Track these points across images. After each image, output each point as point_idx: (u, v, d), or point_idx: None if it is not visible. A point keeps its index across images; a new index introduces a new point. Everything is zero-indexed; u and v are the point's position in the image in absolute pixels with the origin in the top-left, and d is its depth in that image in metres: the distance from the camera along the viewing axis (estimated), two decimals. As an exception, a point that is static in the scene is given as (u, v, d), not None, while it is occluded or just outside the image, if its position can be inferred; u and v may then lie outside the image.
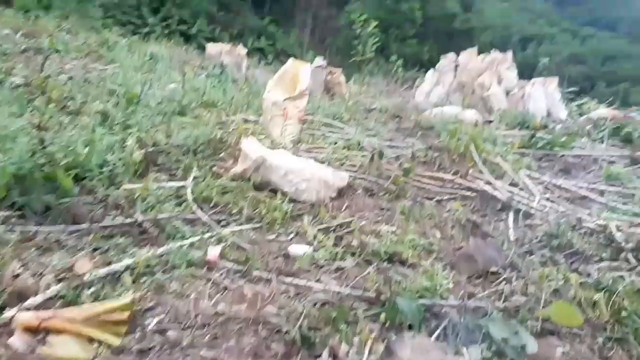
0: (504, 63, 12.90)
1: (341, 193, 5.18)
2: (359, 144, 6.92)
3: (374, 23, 18.79)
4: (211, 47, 14.92)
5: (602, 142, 7.99)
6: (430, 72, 13.85)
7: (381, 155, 5.69)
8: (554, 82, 12.64)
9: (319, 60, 12.49)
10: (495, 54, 13.17)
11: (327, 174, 5.06)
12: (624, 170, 6.63)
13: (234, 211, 4.40)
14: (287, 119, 6.59)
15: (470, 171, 5.84)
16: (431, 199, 5.34)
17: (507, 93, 12.44)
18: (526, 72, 20.81)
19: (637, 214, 5.26)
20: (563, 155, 7.11)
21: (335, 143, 6.86)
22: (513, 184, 5.74)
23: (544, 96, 12.24)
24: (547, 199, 5.39)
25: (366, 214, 4.81)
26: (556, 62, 20.97)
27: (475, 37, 29.46)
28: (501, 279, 3.80)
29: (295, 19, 31.48)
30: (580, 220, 4.74)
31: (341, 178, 5.17)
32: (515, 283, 3.73)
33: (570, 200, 5.54)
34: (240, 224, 4.27)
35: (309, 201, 4.86)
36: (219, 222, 4.28)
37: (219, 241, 3.93)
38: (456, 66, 13.52)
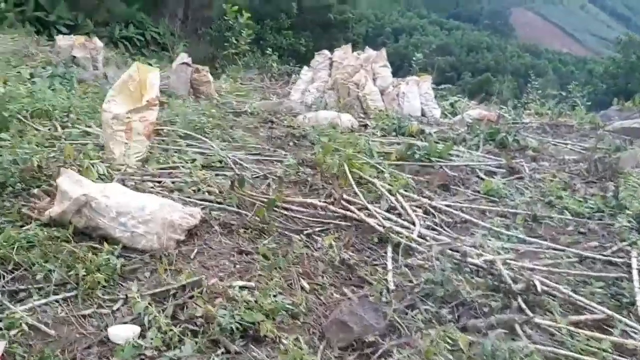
0: (378, 61, 12.45)
1: (192, 233, 4.24)
2: (222, 162, 5.98)
3: (247, 14, 17.87)
4: (61, 40, 13.09)
5: (478, 148, 7.68)
6: (305, 69, 13.11)
7: (242, 183, 4.80)
8: (427, 80, 12.39)
9: (184, 57, 11.29)
10: (369, 52, 12.69)
11: (173, 211, 4.09)
12: (503, 183, 6.26)
13: (39, 276, 3.32)
14: (130, 135, 5.50)
15: (345, 195, 5.12)
16: (301, 232, 4.55)
17: (383, 92, 12.01)
18: (399, 63, 20.82)
19: (521, 239, 4.81)
20: (441, 167, 6.64)
21: (194, 161, 5.87)
22: (392, 208, 5.10)
23: (418, 95, 11.94)
24: (428, 227, 4.80)
25: (221, 262, 3.91)
26: (426, 53, 21.06)
27: (349, 29, 29.18)
28: (380, 351, 3.08)
29: (167, 7, 29.48)
30: (465, 254, 4.17)
31: (192, 215, 4.22)
32: (398, 357, 3.02)
33: (452, 225, 5.00)
34: (46, 295, 3.20)
35: (148, 249, 3.88)
36: (15, 294, 3.19)
37: (9, 327, 2.87)
38: (331, 63, 12.89)
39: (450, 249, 4.31)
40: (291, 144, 7.33)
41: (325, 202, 5.10)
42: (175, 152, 6.12)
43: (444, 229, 4.85)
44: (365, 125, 9.01)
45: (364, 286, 3.85)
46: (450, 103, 12.75)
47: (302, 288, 3.71)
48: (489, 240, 4.68)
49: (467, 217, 5.09)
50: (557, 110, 12.64)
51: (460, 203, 5.55)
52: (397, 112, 11.41)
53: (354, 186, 5.12)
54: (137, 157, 5.56)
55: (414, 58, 16.38)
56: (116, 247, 3.78)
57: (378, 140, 7.86)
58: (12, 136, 5.48)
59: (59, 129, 6.36)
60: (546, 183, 6.41)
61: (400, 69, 17.71)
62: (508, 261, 4.25)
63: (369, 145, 7.09)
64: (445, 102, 13.07)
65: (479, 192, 6.03)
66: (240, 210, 4.73)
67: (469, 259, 4.16)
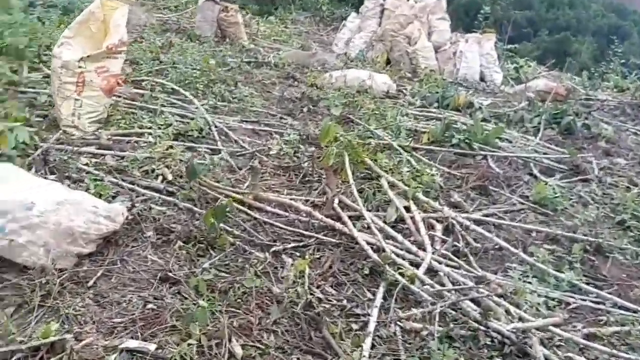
0: (436, 11, 10.68)
1: (111, 241, 3.04)
2: (201, 130, 4.72)
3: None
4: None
5: (537, 134, 6.08)
6: (353, 15, 11.48)
7: (193, 173, 3.52)
8: (491, 38, 10.57)
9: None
10: (427, 0, 10.91)
11: (77, 213, 2.89)
12: (561, 187, 4.73)
13: None
14: (81, 89, 4.28)
15: (342, 197, 3.78)
16: (267, 248, 3.28)
17: (438, 49, 10.32)
18: (462, 17, 18.56)
19: (574, 286, 3.38)
20: (484, 158, 5.14)
21: (168, 127, 4.63)
22: (401, 220, 3.73)
23: (478, 56, 10.19)
24: (445, 256, 3.42)
25: (127, 296, 2.71)
26: (502, 5, 18.84)
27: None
28: None
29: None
30: (486, 313, 2.81)
31: (110, 217, 3.01)
32: None
33: (480, 253, 3.59)
34: None
35: (31, 266, 2.71)
36: None
37: None
38: (382, 10, 11.20)
39: (471, 299, 2.96)
40: (305, 110, 5.95)
41: (312, 204, 3.79)
42: (148, 113, 4.88)
43: (468, 260, 3.46)
44: (402, 92, 7.47)
45: (327, 358, 2.57)
46: (515, 67, 10.89)
47: (231, 356, 2.46)
48: (528, 283, 3.27)
49: (503, 242, 3.65)
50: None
51: (499, 217, 4.11)
52: (451, 74, 9.82)
53: (353, 187, 3.74)
54: (90, 117, 4.36)
55: (481, 11, 14.31)
56: (-17, 260, 2.65)
57: (414, 113, 6.37)
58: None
59: (25, 71, 5.23)
60: (620, 192, 4.83)
61: (463, 23, 15.57)
62: (551, 329, 2.85)
63: (397, 121, 5.64)
64: (511, 66, 11.22)
65: (527, 198, 4.53)
66: (194, 208, 3.49)
67: (492, 323, 2.80)
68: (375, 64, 9.46)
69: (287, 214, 3.63)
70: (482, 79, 10.18)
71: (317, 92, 6.47)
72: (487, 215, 4.07)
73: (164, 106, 5.06)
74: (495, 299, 3.01)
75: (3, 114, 3.93)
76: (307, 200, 3.86)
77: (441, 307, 2.85)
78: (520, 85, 9.01)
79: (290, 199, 3.82)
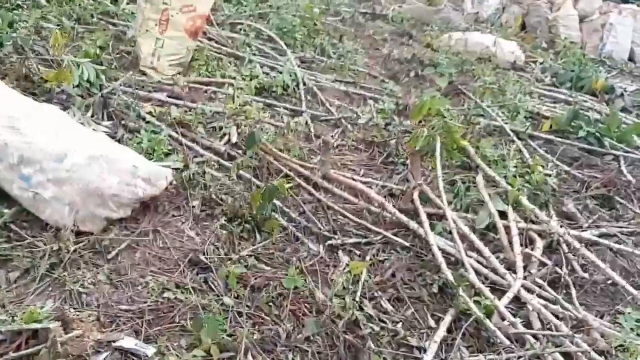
0: (589, -25, 9.23)
1: (149, 206, 2.68)
2: (286, 87, 4.22)
3: None
4: None
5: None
6: (491, -29, 10.26)
7: (252, 140, 3.04)
8: (651, 12, 9.00)
9: None
10: (581, -40, 9.44)
11: (111, 171, 2.53)
12: None
13: None
14: (165, 28, 3.92)
15: (425, 188, 3.15)
16: (322, 238, 2.78)
17: (583, 18, 8.94)
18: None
19: None
20: (615, 159, 4.20)
21: (251, 79, 4.19)
22: (492, 227, 3.04)
23: (631, 31, 8.71)
24: (539, 285, 2.71)
25: (146, 279, 2.33)
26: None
27: None
28: None
29: None
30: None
31: (149, 181, 2.63)
32: None
33: (586, 286, 2.84)
34: None
35: (53, 225, 2.41)
36: None
37: None
38: (526, -31, 9.89)
39: (562, 353, 2.29)
40: (412, 74, 5.25)
41: (389, 192, 3.20)
42: (236, 61, 4.45)
43: (569, 293, 2.73)
44: (535, 63, 6.46)
45: (359, 397, 2.06)
46: (676, 48, 9.22)
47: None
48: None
49: (618, 278, 2.84)
50: None
51: (620, 239, 3.26)
52: (595, 50, 8.49)
53: (440, 178, 3.08)
54: (171, 60, 4.00)
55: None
56: (6, 210, 2.39)
57: (540, 91, 5.43)
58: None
59: (125, 1, 4.98)
60: None
61: None
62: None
63: (517, 99, 4.78)
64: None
65: (663, 218, 3.62)
66: (253, 179, 3.04)
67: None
68: (507, 28, 8.36)
69: (356, 200, 3.07)
70: (631, 59, 8.73)
71: (431, 55, 5.70)
72: (604, 236, 3.25)
73: (255, 55, 4.60)
74: (595, 356, 2.31)
75: (82, 47, 3.67)
76: (384, 187, 3.27)
77: (520, 357, 2.21)
78: (679, 71, 7.57)
79: (365, 183, 3.25)
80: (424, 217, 2.90)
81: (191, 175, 2.91)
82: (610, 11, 8.98)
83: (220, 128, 3.44)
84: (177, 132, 3.25)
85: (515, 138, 4.17)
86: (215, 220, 2.71)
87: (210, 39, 4.69)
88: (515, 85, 5.25)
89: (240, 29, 5.02)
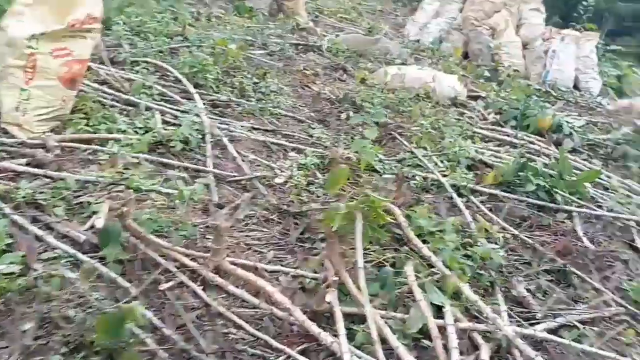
0: (529, 1, 8.93)
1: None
2: (186, 141, 3.51)
3: None
4: None
5: (645, 180, 4.51)
6: (431, -3, 9.85)
7: (106, 239, 2.32)
8: (593, 39, 8.75)
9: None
10: (521, -14, 9.14)
11: None
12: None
13: None
14: (32, 76, 3.17)
15: (346, 277, 2.49)
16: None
17: (526, 45, 8.60)
18: (561, 8, 16.17)
19: None
20: (569, 216, 3.66)
21: (145, 133, 3.47)
22: (424, 331, 2.39)
23: (573, 58, 8.42)
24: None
25: None
26: (605, -4, 16.37)
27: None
28: None
29: None
30: None
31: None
32: None
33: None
34: None
35: None
36: None
37: None
38: (467, -6, 9.52)
39: None
40: (344, 117, 4.63)
41: (300, 286, 2.52)
42: (127, 110, 3.72)
43: None
44: (478, 98, 5.96)
45: None
46: (618, 75, 9.00)
47: None
48: None
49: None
50: None
51: (580, 332, 2.67)
52: (538, 78, 8.15)
53: (360, 269, 2.42)
54: (41, 115, 3.24)
55: (584, 2, 12.18)
56: None
57: (482, 132, 4.90)
58: None
59: None
60: None
61: (560, 11, 13.33)
62: None
63: (457, 147, 4.22)
64: (611, 71, 9.33)
65: (625, 293, 3.06)
66: (120, 280, 2.31)
67: None
68: (449, 57, 7.91)
69: (257, 301, 2.38)
70: (575, 87, 8.44)
71: (366, 93, 5.10)
72: (564, 328, 2.65)
73: (155, 101, 3.89)
74: None
75: None
76: (295, 277, 2.59)
77: None
78: (625, 101, 7.25)
79: (272, 273, 2.57)
80: (340, 325, 2.24)
81: (32, 282, 2.17)
82: (552, 37, 8.70)
83: (89, 204, 2.70)
84: (24, 216, 2.49)
85: (454, 195, 3.58)
86: (52, 352, 1.96)
87: (103, 83, 3.95)
88: (455, 128, 4.70)
89: (143, 69, 4.29)
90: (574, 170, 4.17)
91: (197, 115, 3.76)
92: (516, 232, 3.38)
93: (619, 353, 2.59)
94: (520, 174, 3.88)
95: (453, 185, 3.70)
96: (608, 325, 2.80)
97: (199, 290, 2.38)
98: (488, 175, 3.89)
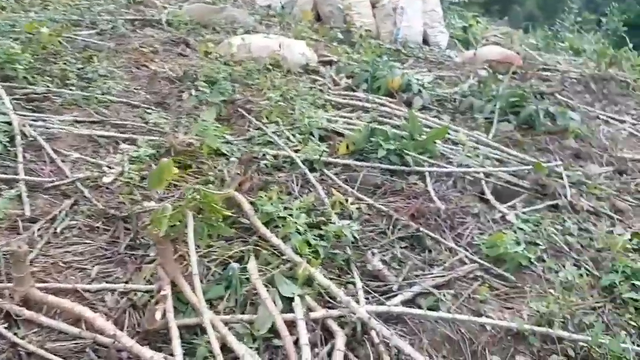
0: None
1: None
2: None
3: None
4: None
5: (489, 130, 4.62)
6: (279, -41, 9.53)
7: None
8: (436, -9, 8.96)
9: None
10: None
11: None
12: (523, 226, 3.31)
13: None
14: None
15: (185, 284, 2.20)
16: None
17: (375, 4, 8.61)
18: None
19: None
20: (421, 177, 3.63)
21: None
22: (275, 330, 2.19)
23: (420, 13, 8.58)
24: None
25: None
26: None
27: None
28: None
29: None
30: None
31: None
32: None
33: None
34: None
35: None
36: None
37: None
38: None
39: None
40: (185, 96, 4.26)
41: (130, 304, 2.20)
42: None
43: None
44: (330, 63, 5.82)
45: None
46: (464, 26, 9.34)
47: None
48: None
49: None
50: (600, 48, 9.04)
51: (437, 297, 2.61)
52: (390, 36, 8.20)
53: (195, 274, 2.15)
54: None
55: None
56: None
57: (335, 100, 4.76)
58: None
59: None
60: (602, 229, 3.47)
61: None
62: None
63: (306, 117, 4.03)
64: (457, 23, 9.67)
65: (480, 249, 3.08)
66: None
67: None
68: (299, 21, 7.70)
69: (77, 330, 2.03)
70: (425, 42, 8.62)
71: (209, 68, 4.73)
72: (420, 296, 2.59)
73: (-52, 102, 3.28)
74: None
75: None
76: (125, 293, 2.26)
77: None
78: (470, 52, 7.50)
79: (95, 293, 2.22)
80: (175, 344, 1.96)
81: None
82: (398, -5, 8.77)
83: None
84: None
85: (307, 171, 3.40)
86: None
87: None
88: (307, 97, 4.51)
89: None
90: (424, 129, 4.16)
91: (3, 114, 3.21)
92: (371, 201, 3.27)
93: (474, 312, 2.58)
94: (372, 139, 3.78)
95: (305, 160, 3.51)
96: (463, 284, 2.79)
97: (1, 328, 1.98)
98: (341, 145, 3.75)
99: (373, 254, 2.79)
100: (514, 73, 6.10)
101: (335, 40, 7.37)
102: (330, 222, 2.85)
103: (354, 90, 5.02)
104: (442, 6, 9.22)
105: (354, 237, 2.84)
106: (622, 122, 5.62)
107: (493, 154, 4.20)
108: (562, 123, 4.90)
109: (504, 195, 3.74)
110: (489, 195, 3.66)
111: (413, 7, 8.44)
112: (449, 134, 4.23)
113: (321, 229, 2.81)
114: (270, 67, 5.11)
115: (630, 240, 3.31)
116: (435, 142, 4.01)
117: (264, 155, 3.50)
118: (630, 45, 8.72)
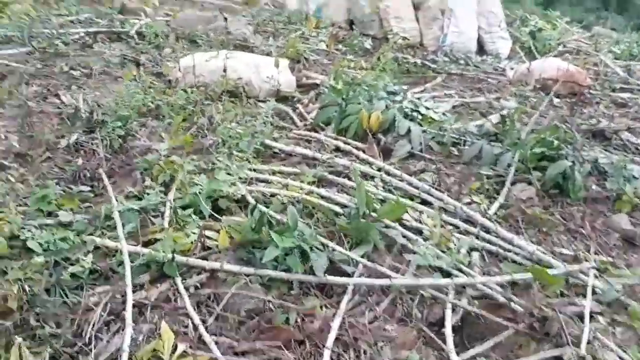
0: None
1: None
2: None
3: None
4: None
5: (498, 197, 3.03)
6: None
7: None
8: (497, -9, 7.23)
9: None
10: None
11: None
12: None
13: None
14: None
15: None
16: None
17: (419, 6, 7.03)
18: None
19: None
20: (341, 293, 2.24)
21: None
22: None
23: (474, 15, 6.91)
24: None
25: None
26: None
27: None
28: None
29: None
30: None
31: None
32: None
33: None
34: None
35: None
36: None
37: None
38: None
39: None
40: (64, 142, 3.14)
41: None
42: None
43: None
44: (314, 87, 4.45)
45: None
46: (531, 31, 7.46)
47: None
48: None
49: None
50: None
51: None
52: (436, 42, 6.66)
53: None
54: None
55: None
56: None
57: (280, 148, 3.41)
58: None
59: None
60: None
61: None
62: None
63: (196, 178, 2.75)
64: (527, 27, 7.79)
65: None
66: None
67: None
68: (333, 23, 6.46)
69: None
70: (481, 50, 6.95)
71: (123, 101, 3.56)
72: None
73: None
74: None
75: None
76: None
77: None
78: (523, 66, 5.76)
79: None
80: None
81: None
82: (447, -5, 7.13)
83: None
84: None
85: (129, 292, 2.13)
86: None
87: None
88: (231, 144, 3.22)
89: None
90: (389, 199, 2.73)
91: None
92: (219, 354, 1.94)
93: None
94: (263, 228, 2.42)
95: (150, 262, 2.25)
96: None
97: None
98: (220, 234, 2.43)
99: None
100: (575, 95, 4.40)
101: (360, 50, 6.02)
102: None
103: (316, 131, 3.63)
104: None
105: None
106: None
107: (482, 244, 2.68)
108: (613, 187, 3.21)
109: (475, 331, 2.25)
110: (447, 331, 2.18)
111: (464, 9, 6.79)
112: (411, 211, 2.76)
113: None
114: (222, 96, 3.87)
115: None
116: (385, 226, 2.58)
117: (87, 252, 2.27)
118: None
